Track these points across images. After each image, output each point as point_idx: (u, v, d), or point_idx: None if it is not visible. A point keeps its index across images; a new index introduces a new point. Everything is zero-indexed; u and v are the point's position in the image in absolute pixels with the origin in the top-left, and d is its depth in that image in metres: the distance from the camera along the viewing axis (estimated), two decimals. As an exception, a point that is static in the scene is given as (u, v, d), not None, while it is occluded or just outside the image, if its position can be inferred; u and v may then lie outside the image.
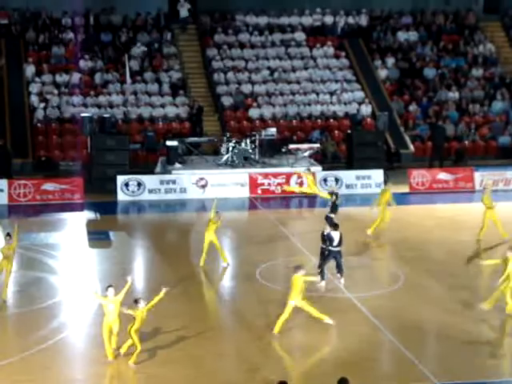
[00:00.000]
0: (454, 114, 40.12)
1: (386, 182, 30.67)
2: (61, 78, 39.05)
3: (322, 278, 21.55)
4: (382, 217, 26.56)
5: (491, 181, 28.14)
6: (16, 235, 21.13)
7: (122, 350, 17.27)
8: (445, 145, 37.87)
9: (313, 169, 33.90)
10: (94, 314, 19.76)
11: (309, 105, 39.82)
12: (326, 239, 21.54)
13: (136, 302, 17.08)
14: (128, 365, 16.95)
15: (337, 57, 42.16)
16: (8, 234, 21.14)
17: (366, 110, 39.82)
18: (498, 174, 33.93)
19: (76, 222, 29.20)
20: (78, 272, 23.22)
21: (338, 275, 21.81)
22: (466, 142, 39.00)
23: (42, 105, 37.81)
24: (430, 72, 41.87)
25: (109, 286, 17.34)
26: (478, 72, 42.33)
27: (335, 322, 19.03)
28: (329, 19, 43.55)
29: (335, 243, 21.46)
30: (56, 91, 38.48)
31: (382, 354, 18.14)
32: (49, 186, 31.88)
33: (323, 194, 28.76)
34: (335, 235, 21.50)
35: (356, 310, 20.12)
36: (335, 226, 21.72)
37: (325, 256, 21.63)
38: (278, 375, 15.78)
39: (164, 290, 17.35)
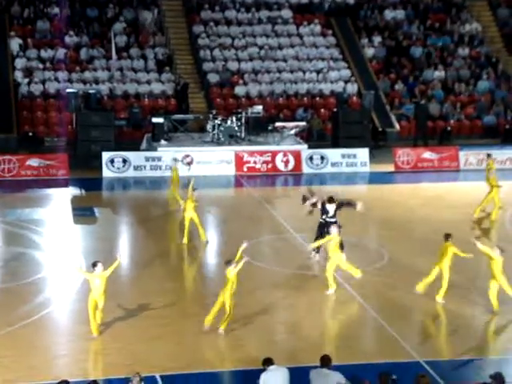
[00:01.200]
0: (440, 93, 40.16)
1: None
2: (46, 53, 38.78)
3: (317, 252, 21.74)
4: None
5: (490, 160, 28.06)
6: None
7: (223, 326, 17.36)
8: (427, 123, 37.95)
9: (299, 147, 33.96)
10: (79, 289, 19.77)
11: (295, 83, 39.75)
12: (323, 211, 21.64)
13: (228, 263, 17.39)
14: (218, 332, 17.22)
15: (323, 35, 42.04)
16: None
17: (352, 88, 39.80)
18: (483, 153, 34.03)
19: (61, 198, 29.12)
20: (62, 248, 23.20)
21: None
22: (452, 121, 39.08)
23: (27, 80, 37.58)
24: (416, 51, 41.86)
25: (97, 261, 17.34)
26: (464, 51, 42.36)
27: (319, 299, 19.11)
28: (316, -4, 43.43)
29: (330, 214, 21.60)
30: (41, 66, 38.25)
31: (366, 332, 18.24)
32: (33, 161, 31.78)
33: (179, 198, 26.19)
34: (330, 208, 21.59)
35: (340, 288, 20.19)
36: (330, 199, 21.81)
37: (322, 228, 21.78)
38: (261, 352, 15.85)
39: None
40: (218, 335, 17.50)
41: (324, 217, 21.69)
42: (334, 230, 19.88)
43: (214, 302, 17.57)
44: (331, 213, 21.63)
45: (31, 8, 40.36)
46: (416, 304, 19.31)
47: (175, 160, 28.34)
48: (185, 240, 23.46)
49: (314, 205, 22.01)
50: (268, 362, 13.78)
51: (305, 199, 22.10)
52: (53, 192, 29.93)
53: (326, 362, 13.75)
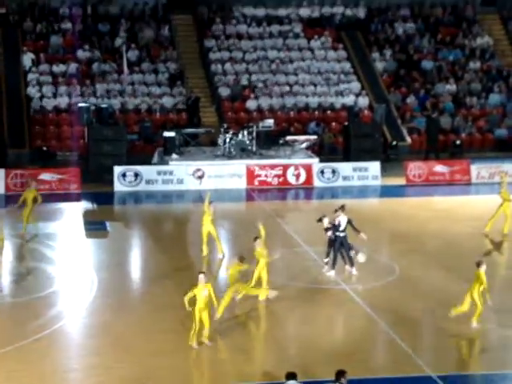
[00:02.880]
0: (451, 106, 40.16)
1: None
2: (58, 67, 39.01)
3: (333, 268, 21.71)
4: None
5: (504, 173, 28.24)
6: (1, 227, 21.31)
7: (475, 321, 18.17)
8: (439, 136, 37.94)
9: (310, 160, 33.96)
10: (91, 304, 19.82)
11: (306, 96, 39.82)
12: (335, 228, 21.60)
13: (479, 264, 18.02)
14: (472, 326, 18.07)
15: (334, 48, 42.14)
16: None
17: (364, 101, 39.84)
18: (495, 166, 34.01)
19: (73, 212, 29.21)
20: (74, 262, 23.25)
21: (348, 267, 21.94)
22: (463, 135, 39.04)
23: (39, 95, 37.79)
24: (427, 64, 41.89)
25: (200, 273, 17.49)
26: (475, 65, 42.35)
27: (331, 313, 19.08)
28: (326, 10, 43.52)
29: (341, 228, 21.56)
30: (53, 81, 38.45)
31: (378, 346, 18.20)
32: (46, 175, 31.91)
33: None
34: (342, 219, 21.57)
35: (352, 302, 20.17)
36: (342, 207, 21.84)
37: (333, 244, 21.74)
38: (273, 367, 15.83)
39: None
40: (231, 350, 17.47)
41: (335, 232, 21.62)
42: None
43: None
44: (342, 226, 21.60)
45: (43, 23, 40.64)
46: (427, 318, 19.25)
47: (32, 180, 27.32)
48: (204, 252, 23.45)
49: (327, 229, 21.89)
50: (290, 376, 13.72)
51: (320, 219, 22.07)
52: (65, 206, 30.02)
53: (340, 376, 13.73)
